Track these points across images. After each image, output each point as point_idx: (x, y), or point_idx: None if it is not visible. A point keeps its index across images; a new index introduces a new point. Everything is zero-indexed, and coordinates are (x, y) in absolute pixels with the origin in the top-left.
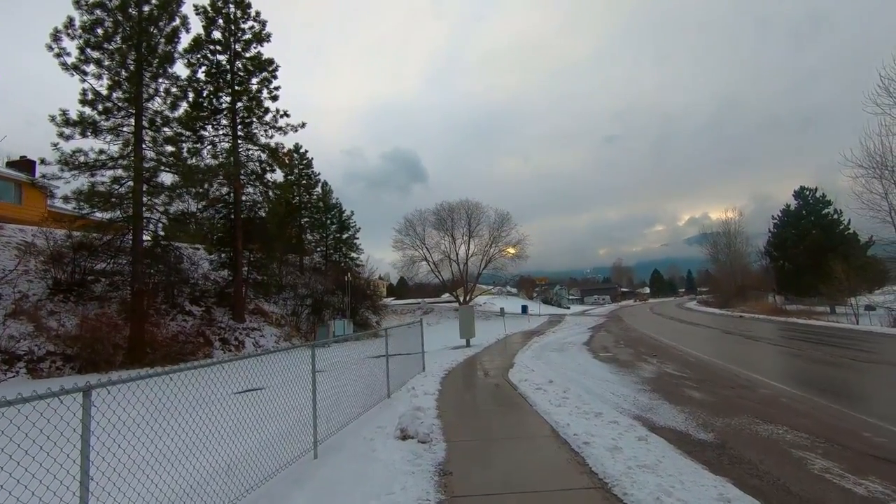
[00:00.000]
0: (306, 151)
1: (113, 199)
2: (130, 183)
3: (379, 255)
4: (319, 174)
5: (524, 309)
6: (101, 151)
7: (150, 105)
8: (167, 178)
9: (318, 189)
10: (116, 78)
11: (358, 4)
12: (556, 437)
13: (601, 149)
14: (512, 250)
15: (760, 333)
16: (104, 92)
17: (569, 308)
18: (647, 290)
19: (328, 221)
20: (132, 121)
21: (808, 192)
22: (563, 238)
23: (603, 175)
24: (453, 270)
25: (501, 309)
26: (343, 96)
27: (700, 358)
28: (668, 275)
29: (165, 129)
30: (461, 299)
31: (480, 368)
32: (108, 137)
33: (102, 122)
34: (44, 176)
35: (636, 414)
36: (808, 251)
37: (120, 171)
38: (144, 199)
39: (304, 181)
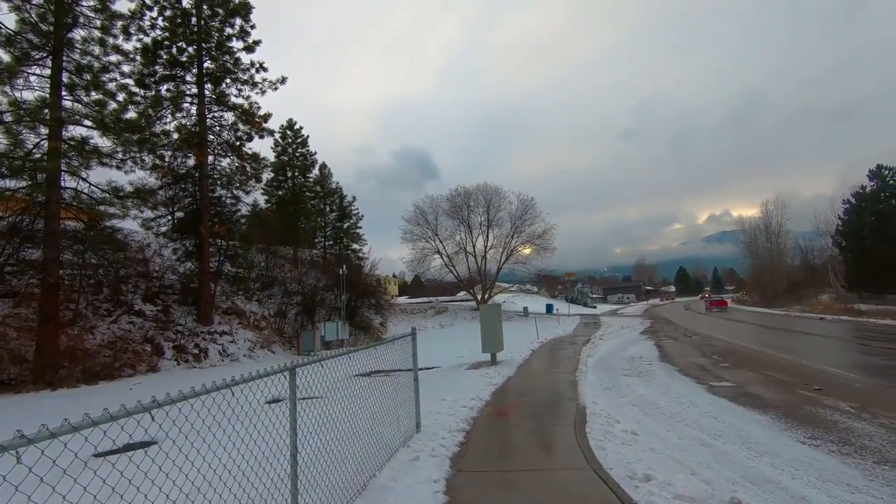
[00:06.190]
0: (301, 128)
1: (22, 163)
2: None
3: (394, 254)
4: (316, 153)
5: (549, 308)
6: (14, 103)
7: (78, 47)
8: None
9: (316, 171)
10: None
11: (370, 3)
12: None
13: (618, 145)
14: (528, 251)
15: None
16: (11, 24)
17: (595, 307)
18: (673, 288)
19: (326, 208)
20: (50, 62)
21: (886, 172)
22: (579, 237)
23: (620, 173)
24: (469, 265)
25: (525, 308)
26: (354, 95)
27: None
28: (691, 273)
29: (102, 76)
30: (479, 297)
31: (526, 424)
32: (15, 82)
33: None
34: None
35: None
36: (892, 241)
37: (27, 130)
38: (64, 165)
39: (298, 162)
